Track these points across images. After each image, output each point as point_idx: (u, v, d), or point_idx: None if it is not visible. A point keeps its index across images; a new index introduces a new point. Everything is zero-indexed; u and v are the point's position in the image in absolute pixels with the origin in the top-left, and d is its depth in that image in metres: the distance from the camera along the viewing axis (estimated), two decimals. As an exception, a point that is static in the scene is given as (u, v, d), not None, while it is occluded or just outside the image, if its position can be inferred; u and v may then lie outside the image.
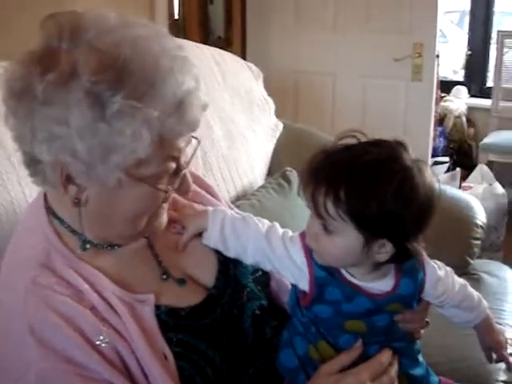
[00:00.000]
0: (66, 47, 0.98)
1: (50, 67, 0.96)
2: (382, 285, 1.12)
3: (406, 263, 1.12)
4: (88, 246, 1.13)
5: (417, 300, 1.17)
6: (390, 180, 0.99)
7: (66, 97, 0.95)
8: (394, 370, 1.13)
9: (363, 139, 1.08)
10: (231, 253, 1.20)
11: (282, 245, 1.16)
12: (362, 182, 1.00)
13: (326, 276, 1.11)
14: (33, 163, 1.05)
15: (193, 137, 1.13)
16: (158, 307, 1.11)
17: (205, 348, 1.12)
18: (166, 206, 1.17)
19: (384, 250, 1.05)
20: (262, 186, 2.07)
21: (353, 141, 1.08)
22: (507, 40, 4.76)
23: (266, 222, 1.22)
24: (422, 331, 1.22)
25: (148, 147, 0.99)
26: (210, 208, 1.24)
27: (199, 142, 1.15)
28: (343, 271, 1.11)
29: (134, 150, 0.98)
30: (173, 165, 1.07)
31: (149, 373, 1.05)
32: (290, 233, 1.18)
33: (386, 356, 1.13)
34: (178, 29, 4.40)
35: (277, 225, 1.21)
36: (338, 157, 1.04)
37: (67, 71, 0.95)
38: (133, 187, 1.05)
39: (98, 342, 1.02)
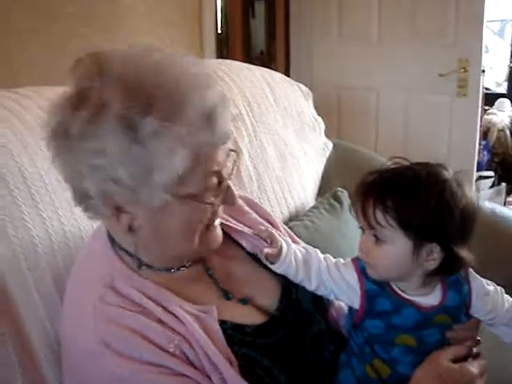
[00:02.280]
0: (95, 86, 1.03)
1: (82, 103, 1.02)
2: (430, 299, 1.17)
3: (450, 278, 1.17)
4: (144, 267, 1.17)
5: (464, 313, 1.19)
6: (432, 188, 1.09)
7: (100, 128, 1.01)
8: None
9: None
10: (298, 279, 1.24)
11: (336, 270, 1.22)
12: (406, 191, 1.10)
13: (375, 288, 1.17)
14: (83, 199, 1.10)
15: (231, 150, 1.17)
16: (223, 322, 1.14)
17: (270, 365, 1.14)
18: (217, 222, 1.19)
19: (432, 256, 1.11)
20: (314, 207, 2.08)
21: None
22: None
23: (319, 251, 1.28)
24: (475, 349, 1.23)
25: (185, 163, 1.03)
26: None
27: (238, 154, 1.19)
28: (393, 285, 1.17)
29: (172, 167, 1.03)
30: (214, 179, 1.12)
31: (219, 375, 1.08)
32: (342, 260, 1.24)
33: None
34: (222, 43, 4.44)
35: (328, 254, 1.27)
36: (384, 175, 1.14)
37: (97, 104, 1.01)
38: (179, 206, 1.08)
39: (170, 350, 1.07)
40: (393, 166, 1.16)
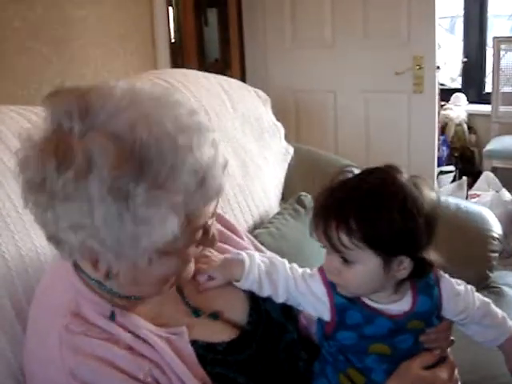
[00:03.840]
0: (78, 132, 0.93)
1: (66, 162, 0.91)
2: (401, 305, 1.15)
3: (420, 282, 1.15)
4: (116, 299, 1.11)
5: (436, 316, 1.18)
6: (392, 200, 1.05)
7: (87, 191, 0.91)
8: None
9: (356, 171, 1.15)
10: (265, 294, 1.22)
11: (304, 283, 1.20)
12: (368, 208, 1.05)
13: (345, 302, 1.15)
14: (58, 243, 1.01)
15: None
16: (194, 342, 1.12)
17: (245, 382, 1.13)
18: (193, 260, 1.15)
19: (403, 266, 1.09)
20: (279, 213, 2.06)
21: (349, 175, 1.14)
22: (503, 45, 4.78)
23: (286, 261, 1.26)
24: (449, 350, 1.23)
25: (176, 229, 0.97)
26: (235, 256, 1.25)
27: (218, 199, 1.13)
28: (363, 297, 1.15)
29: (162, 234, 0.96)
30: (200, 232, 1.07)
31: None
32: (309, 271, 1.22)
33: (452, 361, 1.23)
34: (176, 53, 4.41)
35: (295, 265, 1.25)
36: (338, 193, 1.09)
37: (84, 167, 0.91)
38: (162, 259, 1.03)
39: (141, 377, 1.03)
40: (343, 179, 1.12)
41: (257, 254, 1.27)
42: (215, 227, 1.13)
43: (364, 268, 1.08)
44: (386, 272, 1.08)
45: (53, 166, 0.92)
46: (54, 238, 1.00)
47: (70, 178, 0.91)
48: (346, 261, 1.09)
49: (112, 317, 1.08)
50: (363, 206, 1.05)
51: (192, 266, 1.16)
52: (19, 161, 0.96)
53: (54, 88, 1.00)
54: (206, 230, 1.08)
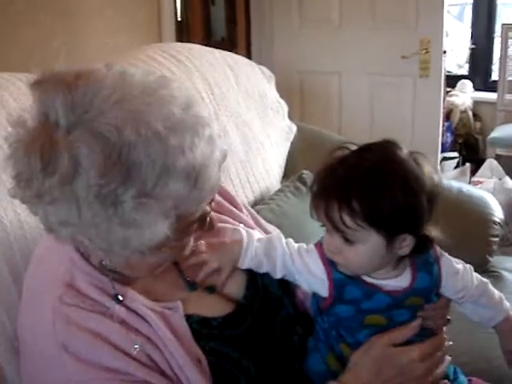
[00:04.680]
0: (65, 127, 0.89)
1: (51, 165, 0.88)
2: (400, 281, 1.15)
3: (419, 258, 1.15)
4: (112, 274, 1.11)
5: (435, 293, 1.18)
6: (394, 178, 1.04)
7: (74, 194, 0.89)
8: (441, 354, 1.19)
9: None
10: (263, 271, 1.21)
11: (300, 258, 1.18)
12: (370, 188, 1.04)
13: (344, 278, 1.13)
14: (51, 231, 0.99)
15: None
16: (189, 316, 1.11)
17: (238, 357, 1.12)
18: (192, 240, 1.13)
19: (405, 243, 1.08)
20: (280, 190, 2.06)
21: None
22: (511, 33, 4.75)
23: (282, 236, 1.24)
24: (444, 328, 1.23)
25: (168, 230, 0.95)
26: (237, 237, 1.23)
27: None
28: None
29: (153, 236, 0.95)
30: (196, 225, 1.06)
31: (185, 376, 1.05)
32: (304, 246, 1.21)
33: (438, 340, 1.20)
34: (182, 31, 4.39)
35: (291, 240, 1.23)
36: (338, 172, 1.07)
37: (70, 171, 0.88)
38: (155, 251, 1.01)
39: (132, 352, 1.03)
40: (341, 156, 1.09)
41: (254, 232, 1.26)
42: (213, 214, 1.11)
43: (366, 247, 1.07)
44: (388, 250, 1.08)
45: (38, 168, 0.88)
46: (46, 227, 0.99)
47: (55, 182, 0.88)
48: (347, 240, 1.07)
49: (116, 298, 1.07)
50: (365, 186, 1.04)
51: (190, 244, 1.13)
52: (9, 147, 0.93)
53: (41, 73, 0.94)
54: (202, 218, 1.06)
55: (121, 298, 1.07)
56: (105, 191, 0.88)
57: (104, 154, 0.88)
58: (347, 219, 1.04)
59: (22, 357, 1.13)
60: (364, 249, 1.07)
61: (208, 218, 1.09)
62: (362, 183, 1.04)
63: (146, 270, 1.10)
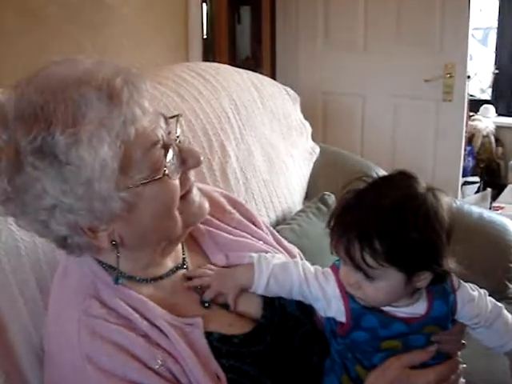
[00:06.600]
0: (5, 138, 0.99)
1: None
2: (416, 309, 1.14)
3: (436, 287, 1.14)
4: (125, 280, 1.14)
5: (451, 321, 1.18)
6: (416, 217, 1.03)
7: (25, 175, 0.97)
8: (455, 377, 1.19)
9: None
10: (281, 296, 1.22)
11: (317, 285, 1.18)
12: (392, 228, 1.03)
13: (361, 307, 1.13)
14: (61, 241, 1.07)
15: (170, 117, 1.13)
16: (210, 334, 1.12)
17: (257, 374, 1.12)
18: (195, 190, 1.15)
19: (424, 277, 1.08)
20: (302, 211, 2.08)
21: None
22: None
23: (299, 261, 1.24)
24: (459, 353, 1.22)
25: (113, 153, 0.98)
26: (248, 262, 1.23)
27: (178, 117, 1.14)
28: None
29: (104, 165, 0.98)
30: (158, 152, 1.06)
31: None
32: (321, 269, 1.20)
33: (452, 363, 1.19)
34: (207, 49, 4.42)
35: (307, 263, 1.23)
36: (357, 209, 1.06)
37: (10, 153, 0.98)
38: (140, 197, 1.04)
39: (155, 366, 1.04)
40: (359, 192, 1.09)
41: (271, 256, 1.25)
42: (190, 145, 1.16)
43: (386, 283, 1.07)
44: (407, 285, 1.08)
45: None
46: (54, 239, 1.07)
47: (6, 171, 0.98)
48: (367, 277, 1.07)
49: (117, 280, 1.11)
50: (387, 226, 1.03)
51: (198, 200, 1.16)
52: None
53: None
54: (165, 147, 1.07)
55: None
56: (37, 145, 0.95)
57: (25, 121, 0.97)
58: (369, 259, 1.03)
59: (46, 366, 1.15)
60: (384, 285, 1.07)
61: (182, 151, 1.11)
62: (383, 223, 1.03)
63: (159, 231, 1.11)
